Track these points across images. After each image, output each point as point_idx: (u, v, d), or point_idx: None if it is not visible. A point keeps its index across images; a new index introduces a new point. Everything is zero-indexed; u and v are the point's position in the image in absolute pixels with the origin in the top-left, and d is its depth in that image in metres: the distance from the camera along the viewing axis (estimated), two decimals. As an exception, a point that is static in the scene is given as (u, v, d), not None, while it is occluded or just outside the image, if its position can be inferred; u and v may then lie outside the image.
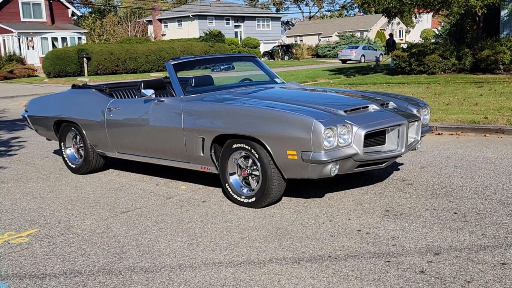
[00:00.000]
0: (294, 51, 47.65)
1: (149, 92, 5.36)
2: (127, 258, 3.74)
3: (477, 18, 17.36)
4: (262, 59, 46.05)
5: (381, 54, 28.00)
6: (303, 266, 3.44)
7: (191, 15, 49.91)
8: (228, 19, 52.41)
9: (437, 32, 30.34)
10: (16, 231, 4.45)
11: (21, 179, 6.35)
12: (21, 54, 36.60)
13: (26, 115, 7.24)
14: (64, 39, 39.31)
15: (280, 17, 61.94)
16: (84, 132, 6.26)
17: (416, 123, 5.00)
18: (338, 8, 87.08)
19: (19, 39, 37.04)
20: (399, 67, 18.41)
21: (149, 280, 3.37)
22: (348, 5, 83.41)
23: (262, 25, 55.66)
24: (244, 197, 4.76)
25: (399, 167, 5.97)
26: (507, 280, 3.10)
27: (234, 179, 4.86)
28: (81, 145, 6.46)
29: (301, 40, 63.72)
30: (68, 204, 5.19)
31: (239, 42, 47.52)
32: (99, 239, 4.15)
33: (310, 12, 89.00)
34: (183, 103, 5.17)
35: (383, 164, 4.79)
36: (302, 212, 4.54)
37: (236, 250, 3.77)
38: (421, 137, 5.13)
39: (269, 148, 4.41)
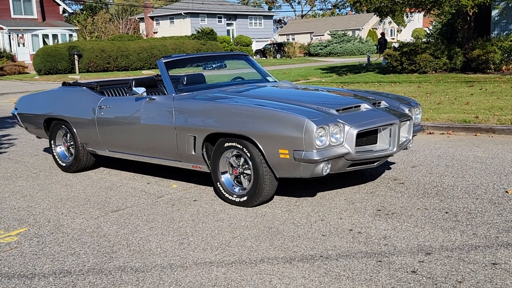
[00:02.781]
0: (286, 49, 47.64)
1: (141, 90, 5.32)
2: (118, 258, 3.71)
3: (468, 18, 17.43)
4: (254, 57, 46.01)
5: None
6: (294, 266, 3.43)
7: (183, 13, 49.76)
8: (220, 17, 52.30)
9: (428, 32, 30.42)
10: (5, 230, 4.40)
11: (10, 177, 6.29)
12: (11, 51, 36.27)
13: (16, 113, 7.18)
14: (55, 36, 39.01)
15: (272, 16, 61.89)
16: (74, 130, 6.21)
17: (407, 122, 5.01)
18: (330, 7, 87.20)
19: (9, 36, 36.72)
20: (391, 66, 18.46)
21: (140, 280, 3.34)
22: (340, 4, 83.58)
23: (255, 23, 55.61)
24: (235, 196, 4.74)
25: (390, 166, 5.97)
26: (498, 280, 3.11)
27: (225, 178, 4.84)
28: (72, 143, 6.41)
29: (293, 39, 63.70)
30: (58, 203, 5.15)
31: (231, 40, 47.43)
32: (89, 239, 4.12)
33: (302, 11, 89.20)
34: (174, 101, 5.14)
35: (375, 163, 4.78)
36: (294, 211, 4.53)
37: (228, 250, 3.76)
38: (412, 136, 5.14)
39: (261, 147, 4.40)
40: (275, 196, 4.93)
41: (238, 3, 71.29)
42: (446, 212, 4.33)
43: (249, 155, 4.53)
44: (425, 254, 3.51)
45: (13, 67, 32.20)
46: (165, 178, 5.91)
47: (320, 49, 51.22)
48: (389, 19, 57.52)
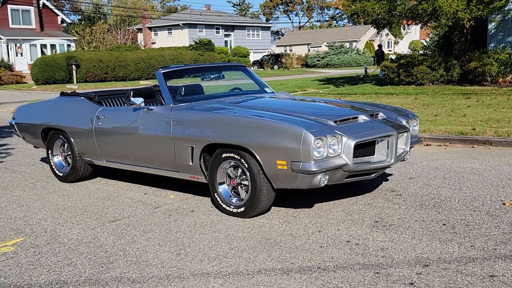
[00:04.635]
0: (283, 60, 47.80)
1: (139, 100, 5.33)
2: (114, 268, 3.69)
3: (465, 30, 17.53)
4: (252, 68, 46.17)
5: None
6: (292, 278, 3.42)
7: (181, 24, 49.99)
8: (218, 28, 52.54)
9: (425, 44, 30.62)
10: (1, 240, 4.38)
11: (7, 187, 6.27)
12: (9, 61, 36.34)
13: (13, 122, 7.17)
14: (53, 46, 39.11)
15: (270, 27, 62.21)
16: (72, 140, 6.20)
17: (405, 134, 5.02)
18: (327, 19, 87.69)
19: (7, 45, 36.81)
20: (388, 77, 18.53)
21: (136, 291, 3.33)
22: (337, 15, 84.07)
23: (252, 34, 55.87)
24: (233, 207, 4.73)
25: (388, 177, 5.98)
26: (496, 292, 3.10)
27: (223, 188, 4.84)
28: (69, 153, 6.40)
29: (290, 50, 63.96)
30: (54, 213, 5.13)
31: (229, 51, 47.59)
32: (85, 249, 4.10)
33: (300, 22, 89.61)
34: (172, 111, 5.15)
35: (373, 175, 4.79)
36: (291, 223, 4.52)
37: (225, 261, 3.74)
38: (410, 148, 5.15)
39: (258, 158, 4.40)
40: (273, 207, 4.92)
41: (236, 14, 71.63)
42: (444, 224, 4.33)
43: (246, 165, 4.53)
44: (423, 266, 3.50)
45: (11, 77, 32.21)
46: (162, 188, 5.89)
47: (318, 60, 51.41)
48: (386, 31, 57.84)
